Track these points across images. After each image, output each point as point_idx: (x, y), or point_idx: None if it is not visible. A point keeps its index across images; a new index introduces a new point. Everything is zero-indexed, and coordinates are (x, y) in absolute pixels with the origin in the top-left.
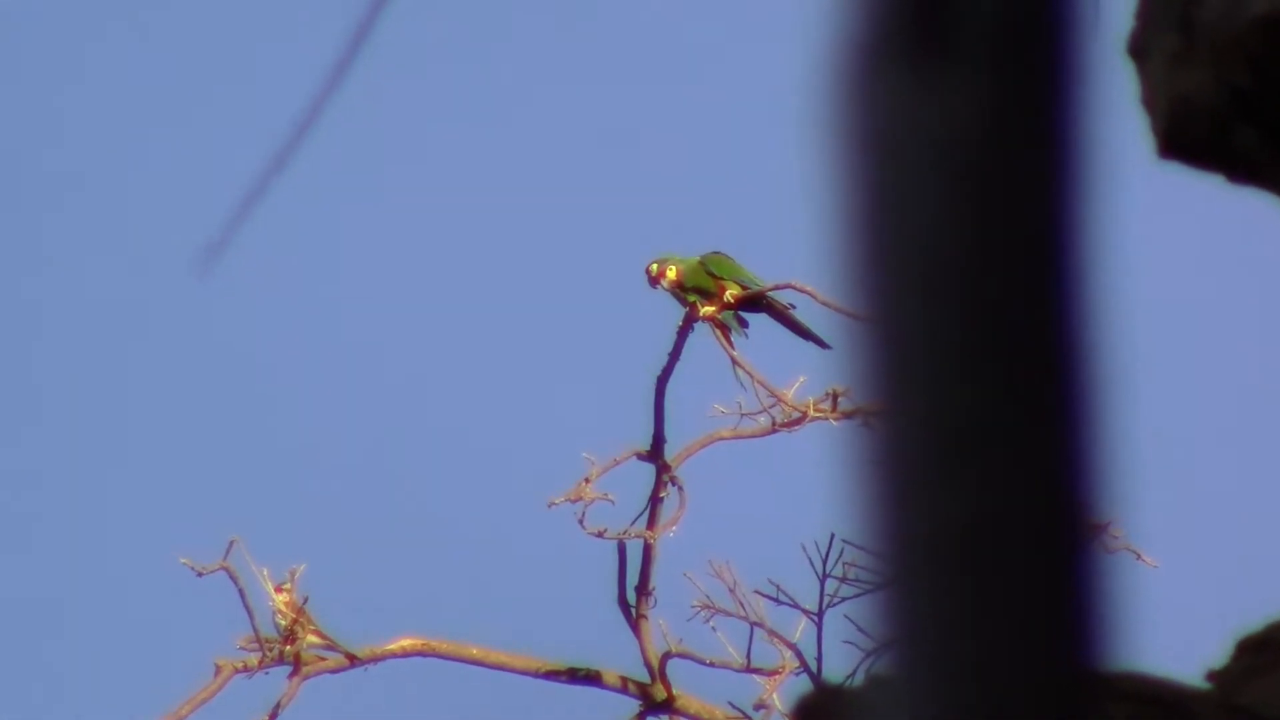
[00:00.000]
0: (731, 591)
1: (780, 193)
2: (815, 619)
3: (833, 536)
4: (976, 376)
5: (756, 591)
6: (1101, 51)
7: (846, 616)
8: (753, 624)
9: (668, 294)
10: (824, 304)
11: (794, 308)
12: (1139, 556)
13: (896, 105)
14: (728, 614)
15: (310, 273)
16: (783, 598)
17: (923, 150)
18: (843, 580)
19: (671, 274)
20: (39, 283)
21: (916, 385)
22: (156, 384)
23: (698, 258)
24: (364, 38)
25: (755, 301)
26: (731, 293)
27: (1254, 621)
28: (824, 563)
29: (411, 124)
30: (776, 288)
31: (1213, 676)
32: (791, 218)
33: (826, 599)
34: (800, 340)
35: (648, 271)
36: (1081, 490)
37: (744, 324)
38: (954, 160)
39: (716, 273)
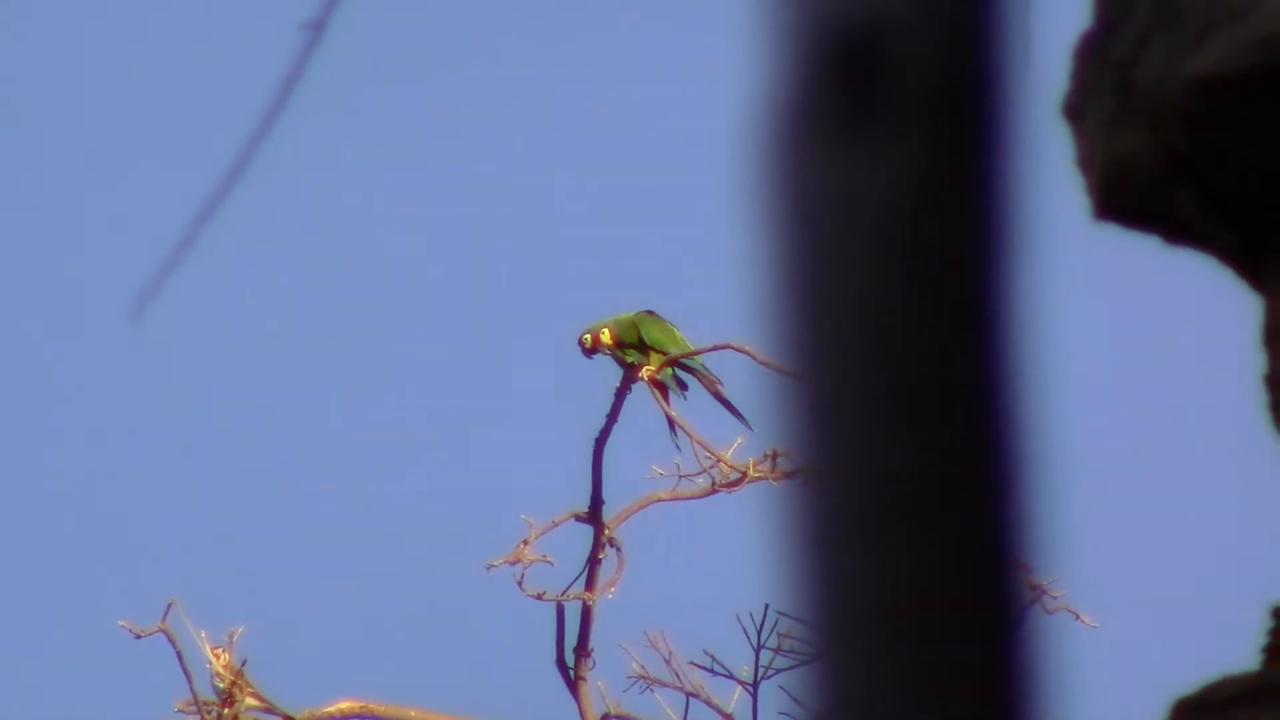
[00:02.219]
0: (667, 662)
1: (713, 253)
2: (750, 690)
3: (767, 607)
4: (908, 437)
5: (692, 663)
6: (1034, 114)
7: (782, 688)
8: (689, 694)
9: (606, 357)
10: (762, 363)
11: (720, 383)
12: (1078, 617)
13: (827, 168)
14: (664, 684)
15: (245, 323)
16: (718, 668)
17: (853, 213)
18: (778, 651)
19: (605, 336)
20: None
21: (848, 445)
22: (94, 439)
23: (630, 315)
24: (292, 86)
25: (684, 369)
26: (651, 365)
27: (1192, 682)
28: (759, 633)
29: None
30: (715, 348)
31: None
32: (725, 278)
33: (762, 670)
34: (728, 413)
35: (580, 343)
36: (1017, 551)
37: (683, 385)
38: (884, 223)
39: (647, 339)
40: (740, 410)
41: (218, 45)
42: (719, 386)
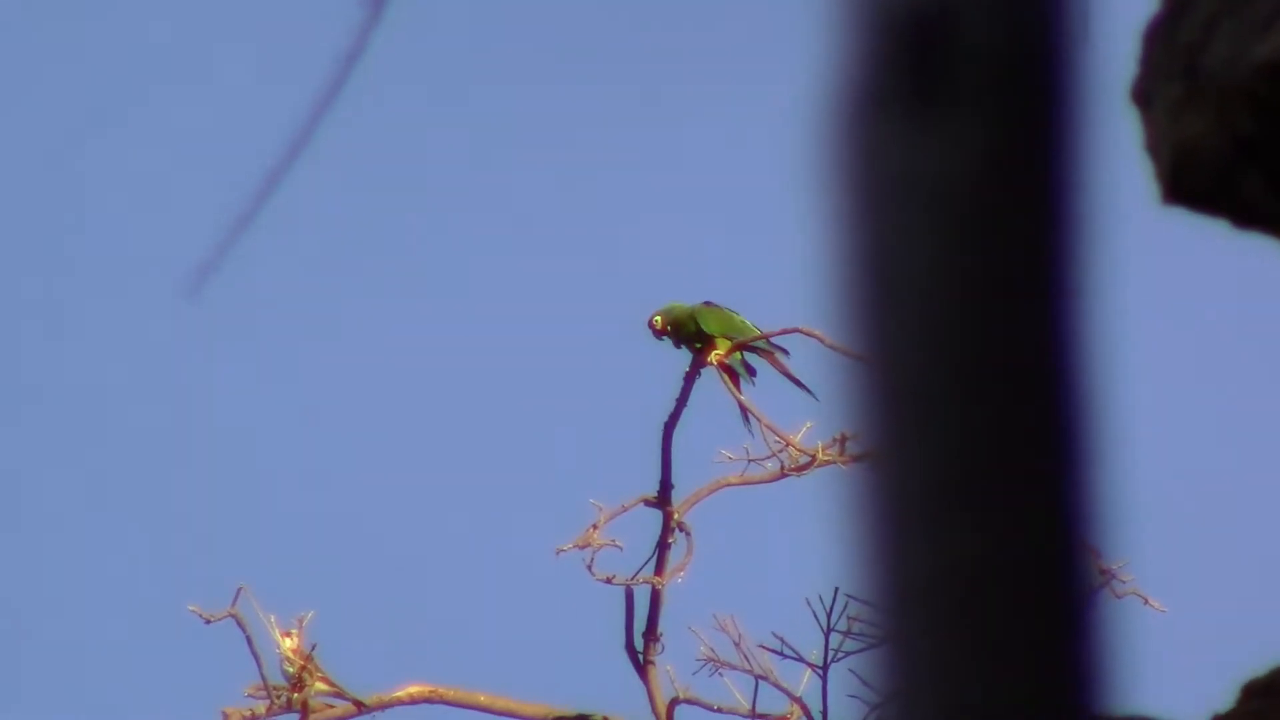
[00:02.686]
0: (737, 645)
1: (783, 238)
2: (820, 673)
3: (837, 590)
4: (975, 419)
5: (761, 646)
6: (1101, 98)
7: (851, 670)
8: (758, 677)
9: (676, 342)
10: (831, 348)
11: (787, 353)
12: (1146, 601)
13: (894, 150)
14: (733, 667)
15: (305, 299)
16: (787, 651)
17: (920, 195)
18: (847, 634)
19: (658, 322)
20: (35, 309)
21: (915, 428)
22: (160, 425)
23: (687, 306)
24: (352, 66)
25: (750, 349)
26: (718, 351)
27: (1260, 666)
28: (829, 616)
29: (406, 156)
30: (784, 332)
31: None
32: (795, 263)
33: (831, 653)
34: (794, 387)
35: (650, 325)
36: (1085, 533)
37: (751, 371)
38: (951, 205)
39: (705, 328)
40: (806, 384)
41: (281, 19)
42: (784, 360)
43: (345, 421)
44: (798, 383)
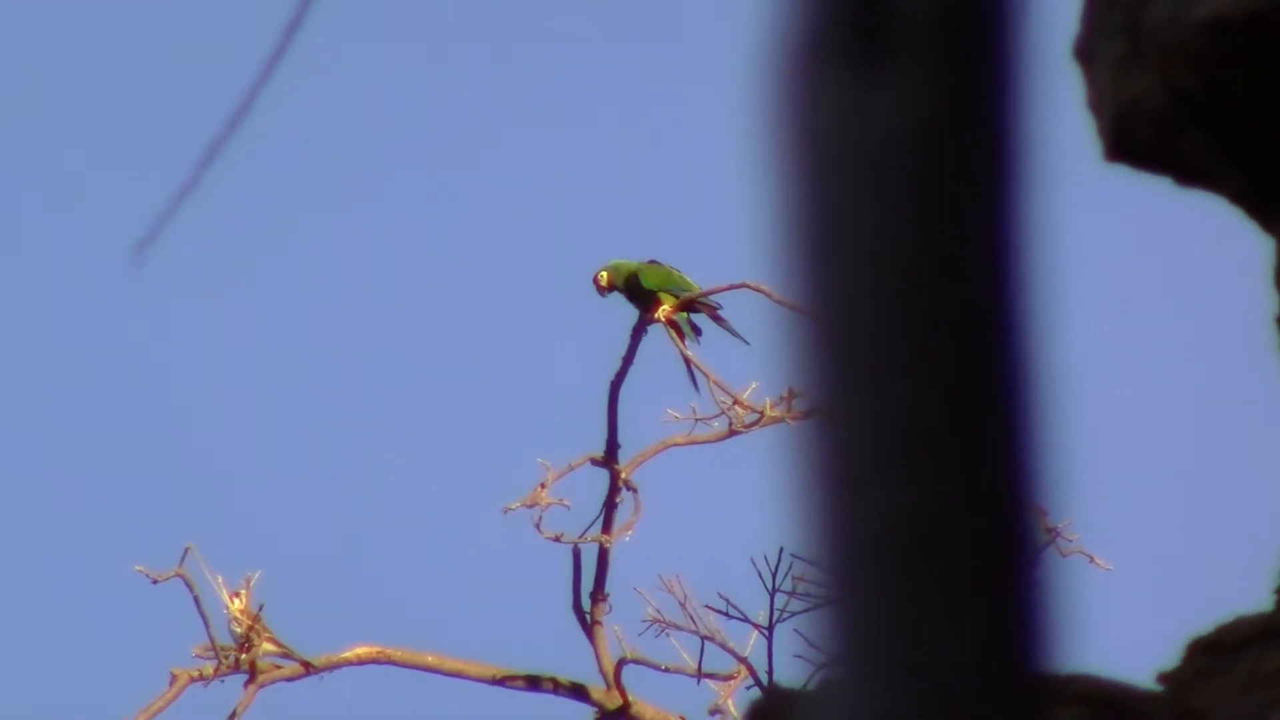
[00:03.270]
0: (683, 605)
1: (727, 194)
2: (766, 633)
3: (782, 550)
4: (918, 374)
5: (708, 606)
6: (1044, 51)
7: (796, 631)
8: (704, 637)
9: (621, 298)
10: (778, 303)
11: (720, 307)
12: (1092, 559)
13: (836, 104)
14: (679, 628)
15: (255, 269)
16: (733, 612)
17: (862, 149)
18: (793, 594)
19: (602, 280)
20: None
21: (859, 382)
22: (106, 387)
23: (632, 263)
24: (294, 31)
25: (690, 306)
26: (666, 306)
27: (1205, 623)
28: (774, 576)
29: (350, 117)
30: (731, 288)
31: (1165, 678)
32: (741, 217)
33: (777, 613)
34: (738, 341)
35: (595, 281)
36: (1029, 491)
37: (697, 330)
38: (893, 159)
39: (646, 284)
40: (745, 337)
41: None
42: (719, 312)
43: (292, 382)
44: (738, 335)
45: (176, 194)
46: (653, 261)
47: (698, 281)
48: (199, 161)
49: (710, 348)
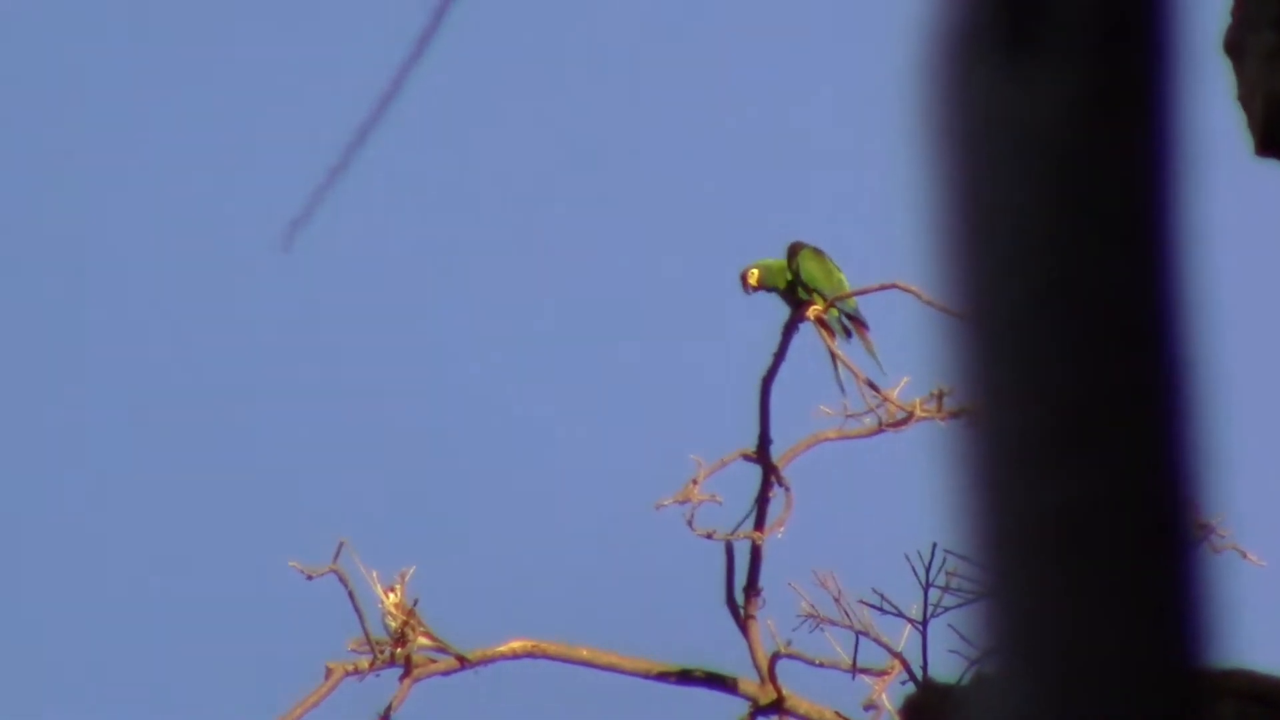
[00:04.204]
0: (837, 600)
1: (877, 185)
2: (920, 628)
3: (935, 545)
4: (1072, 367)
5: (861, 601)
6: (1195, 44)
7: (951, 625)
8: (858, 632)
9: (771, 295)
10: (928, 303)
11: (867, 327)
12: (1245, 555)
13: (991, 94)
14: (833, 623)
15: (402, 253)
16: (887, 607)
17: (1017, 138)
18: (946, 589)
19: (752, 279)
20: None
21: (1015, 377)
22: (262, 375)
23: (779, 261)
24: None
25: (842, 314)
26: (818, 305)
27: None
28: (928, 571)
29: (496, 109)
30: (881, 288)
31: None
32: (889, 211)
33: (931, 608)
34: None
35: (742, 278)
36: (1185, 486)
37: (848, 331)
38: (1047, 148)
39: (804, 276)
40: (881, 363)
41: None
42: (867, 333)
43: (444, 375)
44: (875, 358)
45: (326, 177)
46: (801, 244)
47: (847, 275)
48: (348, 145)
49: (860, 346)
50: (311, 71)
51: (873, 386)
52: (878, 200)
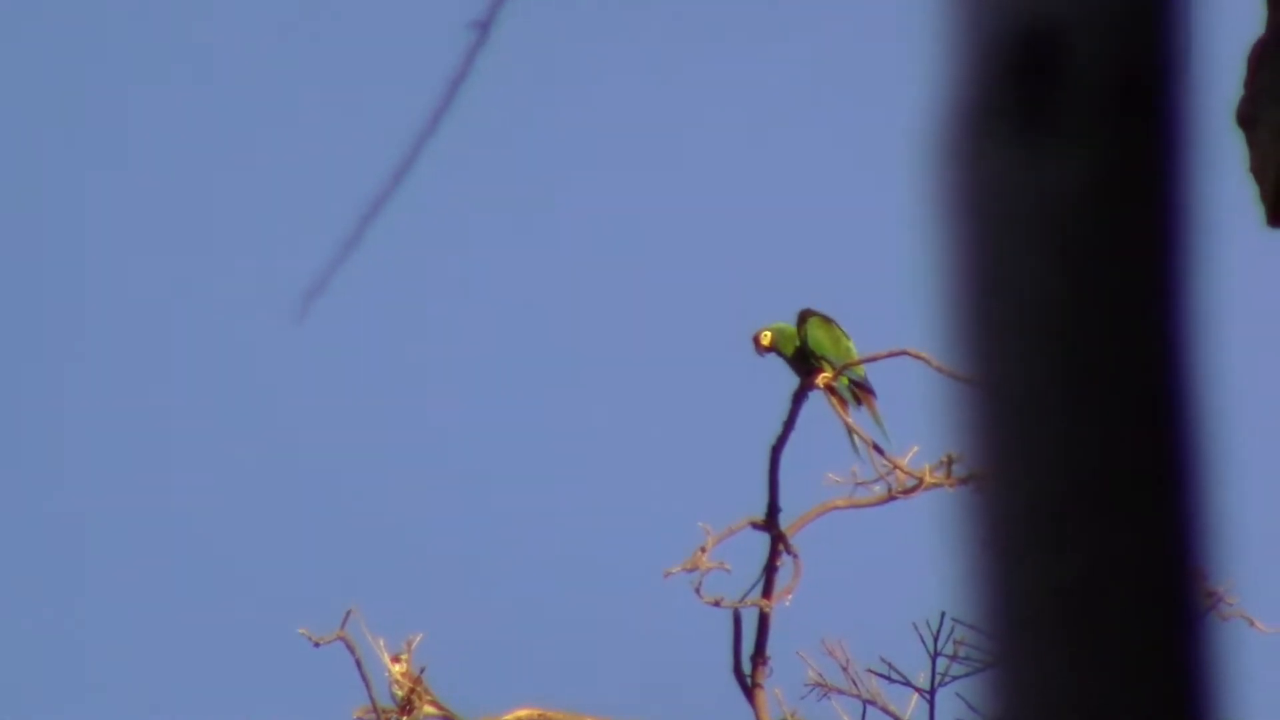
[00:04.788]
0: (844, 669)
1: (889, 256)
2: (927, 697)
3: (944, 614)
4: (1082, 440)
5: (869, 670)
6: (1208, 120)
7: (958, 695)
8: (865, 701)
9: (780, 360)
10: (938, 369)
11: (875, 395)
12: (1252, 623)
13: (1003, 170)
14: (840, 691)
15: (413, 321)
16: (895, 676)
17: (1029, 215)
18: (954, 658)
19: (765, 339)
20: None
21: (1024, 448)
22: (269, 440)
23: (791, 327)
24: (458, 88)
25: (851, 382)
26: (827, 373)
27: None
28: (936, 640)
29: (506, 178)
30: (891, 355)
31: None
32: (901, 281)
33: (938, 677)
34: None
35: (755, 340)
36: (1193, 555)
37: (858, 399)
38: (1059, 226)
39: (813, 345)
40: (885, 432)
41: (385, 43)
42: (874, 402)
43: (451, 444)
44: (881, 425)
45: (341, 247)
46: (811, 312)
47: (856, 342)
48: (363, 214)
49: (867, 414)
50: (326, 141)
51: (881, 453)
52: (891, 269)
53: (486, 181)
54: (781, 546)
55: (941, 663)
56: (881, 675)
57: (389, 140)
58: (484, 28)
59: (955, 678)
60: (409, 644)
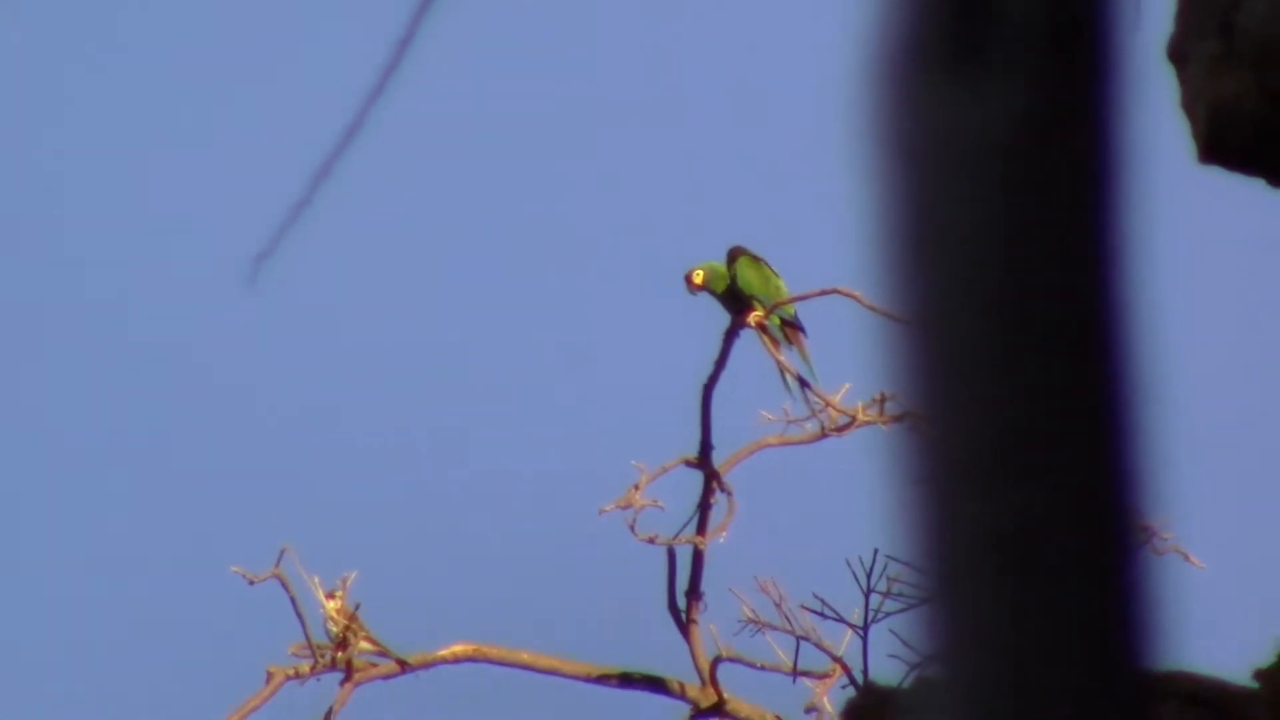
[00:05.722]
0: (778, 606)
1: (821, 194)
2: (861, 633)
3: (877, 551)
4: (1017, 378)
5: (803, 606)
6: (1141, 55)
7: (892, 631)
8: (799, 638)
9: (712, 299)
10: (869, 307)
11: (805, 333)
12: (1186, 558)
13: (934, 106)
14: (774, 628)
15: (356, 281)
16: (828, 612)
17: (961, 151)
18: (887, 595)
19: (697, 278)
20: (90, 295)
21: (957, 387)
22: (208, 394)
23: (722, 265)
24: (406, 48)
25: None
26: (758, 312)
27: None
28: (869, 577)
29: (450, 131)
30: (822, 293)
31: (1260, 676)
32: (832, 219)
33: (872, 613)
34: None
35: (687, 278)
36: (1127, 492)
37: (788, 336)
38: (993, 162)
39: (743, 285)
40: (810, 381)
41: (335, 5)
42: (803, 340)
43: (389, 386)
44: (810, 366)
45: (291, 210)
46: (740, 249)
47: (789, 282)
48: (313, 176)
49: (796, 353)
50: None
51: (812, 390)
52: (825, 207)
53: (432, 139)
54: (715, 484)
55: (875, 599)
56: (815, 612)
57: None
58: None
59: (889, 614)
60: (343, 581)
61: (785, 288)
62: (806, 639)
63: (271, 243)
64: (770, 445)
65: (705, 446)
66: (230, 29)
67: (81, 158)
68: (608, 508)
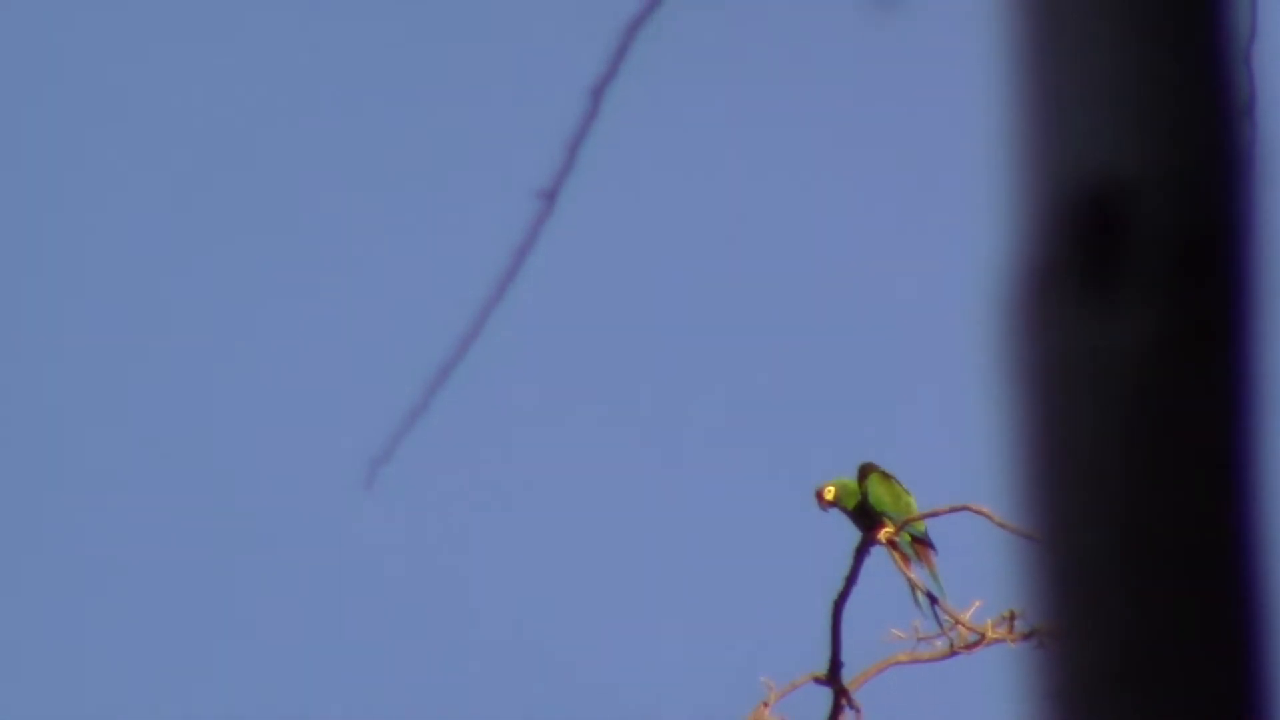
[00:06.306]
0: None
1: (951, 411)
2: None
3: None
4: (1148, 599)
5: None
6: (1276, 280)
7: None
8: None
9: (843, 515)
10: (1000, 525)
11: (935, 550)
12: None
13: (1070, 329)
14: None
15: (470, 487)
16: None
17: (1094, 374)
18: None
19: (829, 494)
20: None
21: (1088, 606)
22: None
23: (853, 482)
24: (524, 257)
25: (911, 538)
26: (888, 530)
27: None
28: None
29: (567, 342)
30: (953, 510)
31: None
32: (963, 436)
33: None
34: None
35: (819, 494)
36: (1256, 709)
37: (920, 553)
38: (1125, 385)
39: (874, 502)
40: (938, 598)
41: (452, 209)
42: (933, 557)
43: (521, 596)
44: (938, 583)
45: (408, 414)
46: (876, 468)
47: (919, 499)
48: (430, 382)
49: (925, 570)
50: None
51: (942, 607)
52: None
53: (551, 351)
54: (844, 701)
55: None
56: None
57: (455, 309)
58: (550, 198)
59: None
60: None
61: (915, 504)
62: None
63: (388, 447)
64: (900, 662)
65: (835, 663)
66: (354, 225)
67: (193, 359)
68: None
